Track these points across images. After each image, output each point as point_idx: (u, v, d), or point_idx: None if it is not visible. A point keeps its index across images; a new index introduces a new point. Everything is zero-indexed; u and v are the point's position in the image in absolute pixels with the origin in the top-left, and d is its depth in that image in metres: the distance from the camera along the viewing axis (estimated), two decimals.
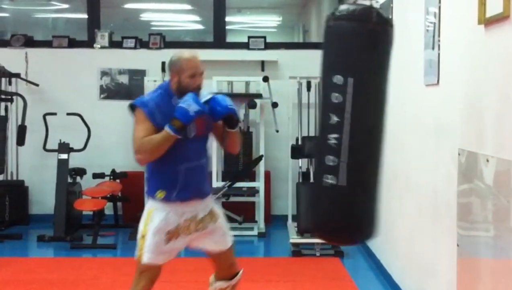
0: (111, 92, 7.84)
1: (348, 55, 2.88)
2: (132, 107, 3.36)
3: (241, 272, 3.62)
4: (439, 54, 3.81)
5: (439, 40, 3.81)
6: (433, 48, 3.90)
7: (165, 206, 3.34)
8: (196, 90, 3.32)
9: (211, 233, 3.45)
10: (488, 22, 2.99)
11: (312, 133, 7.19)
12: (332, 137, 2.84)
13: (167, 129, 3.22)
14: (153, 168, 3.38)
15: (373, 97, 2.90)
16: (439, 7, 3.81)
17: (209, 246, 3.49)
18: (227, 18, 8.16)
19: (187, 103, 3.22)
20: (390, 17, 3.13)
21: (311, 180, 6.89)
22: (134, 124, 3.32)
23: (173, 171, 3.32)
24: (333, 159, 2.83)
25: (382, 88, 2.91)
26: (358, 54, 2.87)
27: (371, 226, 2.97)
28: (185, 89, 3.30)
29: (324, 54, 2.98)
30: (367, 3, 2.97)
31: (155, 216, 3.34)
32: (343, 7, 2.93)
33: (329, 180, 2.84)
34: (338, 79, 2.84)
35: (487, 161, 2.97)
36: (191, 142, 3.33)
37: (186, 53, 3.42)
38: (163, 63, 7.51)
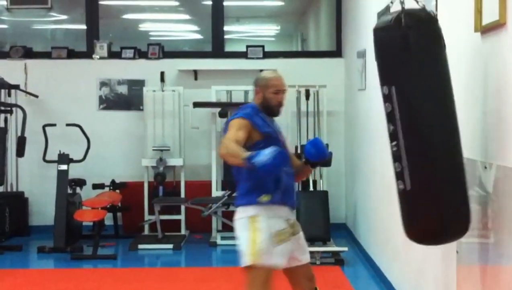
0: (110, 102, 7.86)
1: (387, 64, 3.01)
2: (232, 119, 3.52)
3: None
4: None
5: None
6: None
7: (267, 210, 3.42)
8: (278, 106, 3.56)
9: (300, 239, 3.56)
10: (484, 29, 3.00)
11: None
12: (393, 145, 3.00)
13: (245, 158, 3.24)
14: (253, 178, 3.40)
15: (419, 99, 2.94)
16: (436, 15, 3.82)
17: (299, 254, 3.55)
18: (226, 28, 8.18)
19: (269, 156, 3.20)
20: (431, 13, 3.12)
21: (311, 188, 6.91)
22: (231, 128, 3.42)
23: (276, 175, 3.39)
24: (398, 165, 2.98)
25: (428, 87, 2.93)
26: (394, 60, 2.96)
27: (441, 226, 2.99)
28: (268, 103, 3.53)
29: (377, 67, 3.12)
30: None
31: (260, 220, 3.40)
32: (380, 19, 3.09)
33: (400, 185, 2.99)
34: (385, 89, 3.00)
35: (486, 167, 2.98)
36: (285, 150, 3.49)
37: (271, 72, 3.70)
38: (162, 73, 7.54)
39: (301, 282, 3.62)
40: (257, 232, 3.37)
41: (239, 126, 3.42)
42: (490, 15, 2.89)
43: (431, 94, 2.96)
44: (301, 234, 3.59)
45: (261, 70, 7.70)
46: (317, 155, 3.54)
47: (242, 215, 3.46)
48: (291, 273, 3.59)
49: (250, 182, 3.44)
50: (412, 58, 2.93)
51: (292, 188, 3.57)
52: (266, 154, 3.22)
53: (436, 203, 2.96)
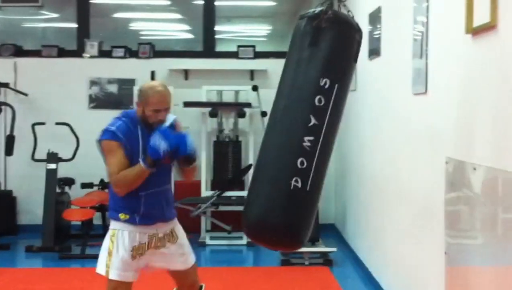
0: (100, 101, 7.83)
1: (298, 51, 2.99)
2: (101, 140, 3.44)
3: (203, 286, 3.67)
4: (427, 63, 3.82)
5: (427, 49, 3.83)
6: (421, 57, 3.92)
7: (129, 226, 3.44)
8: (158, 123, 3.39)
9: (170, 252, 3.52)
10: (475, 31, 3.00)
11: None
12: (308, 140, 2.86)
13: (141, 164, 3.32)
14: (115, 193, 3.45)
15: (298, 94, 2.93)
16: (427, 16, 3.83)
17: (169, 266, 3.57)
18: (217, 27, 8.17)
19: (157, 141, 3.27)
20: (352, 16, 3.11)
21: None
22: (105, 155, 3.41)
23: (135, 197, 3.40)
24: (302, 161, 2.85)
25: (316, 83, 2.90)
26: (301, 50, 2.96)
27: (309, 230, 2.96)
28: (147, 120, 3.39)
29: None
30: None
31: (120, 234, 3.44)
32: (314, 8, 3.03)
33: (296, 183, 2.83)
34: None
35: (475, 169, 2.98)
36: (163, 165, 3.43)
37: (156, 86, 3.44)
38: (153, 73, 7.52)
39: (184, 286, 3.65)
40: (114, 246, 3.41)
41: (110, 151, 3.38)
42: (481, 17, 2.89)
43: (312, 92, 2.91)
44: (177, 245, 3.53)
45: (252, 71, 7.83)
46: (184, 151, 3.34)
47: (110, 226, 3.52)
48: (173, 278, 3.65)
49: (116, 202, 3.47)
50: (319, 52, 2.91)
51: (163, 206, 3.49)
52: (155, 143, 3.24)
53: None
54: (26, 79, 7.71)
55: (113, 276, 3.41)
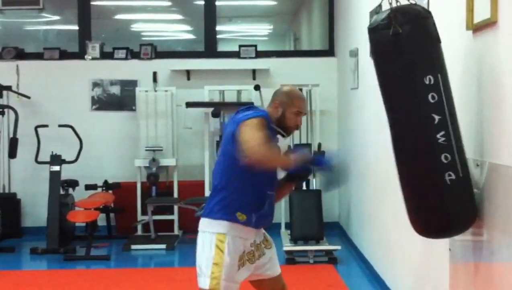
0: (102, 103, 7.84)
1: (388, 64, 2.97)
2: (247, 118, 3.12)
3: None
4: None
5: None
6: None
7: (239, 230, 3.14)
8: (295, 129, 3.30)
9: (268, 259, 3.32)
10: (476, 28, 3.01)
11: (303, 141, 7.21)
12: (441, 136, 2.90)
13: (292, 159, 3.10)
14: (239, 187, 3.13)
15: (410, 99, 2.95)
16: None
17: (266, 273, 3.34)
18: (218, 27, 8.18)
19: (330, 157, 3.16)
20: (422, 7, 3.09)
21: (304, 187, 6.92)
22: (249, 128, 3.05)
23: (262, 195, 3.17)
24: (445, 156, 2.90)
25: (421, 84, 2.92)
26: (391, 63, 2.94)
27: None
28: (285, 122, 3.24)
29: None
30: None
31: (229, 240, 3.12)
32: (373, 19, 3.02)
33: (450, 177, 2.89)
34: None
35: (478, 165, 2.98)
36: (275, 172, 3.24)
37: (298, 91, 3.36)
38: (155, 73, 7.53)
39: None
40: (222, 255, 3.09)
41: (261, 127, 3.08)
42: (481, 14, 2.90)
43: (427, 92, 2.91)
44: (272, 250, 3.35)
45: (254, 70, 7.84)
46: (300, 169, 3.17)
47: (208, 229, 3.15)
48: (259, 286, 3.41)
49: (232, 194, 3.14)
50: (403, 57, 2.91)
51: (272, 211, 3.27)
52: (325, 161, 3.11)
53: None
54: (29, 82, 7.73)
55: (223, 288, 3.08)
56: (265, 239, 3.33)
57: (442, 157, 2.89)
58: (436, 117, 2.89)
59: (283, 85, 3.42)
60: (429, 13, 3.01)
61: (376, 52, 3.02)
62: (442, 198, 2.93)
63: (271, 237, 3.41)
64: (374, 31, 2.98)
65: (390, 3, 2.98)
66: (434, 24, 2.99)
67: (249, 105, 3.36)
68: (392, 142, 3.07)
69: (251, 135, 3.02)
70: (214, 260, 3.09)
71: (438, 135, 2.89)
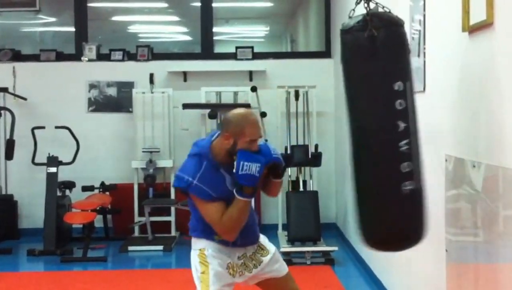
0: (99, 104, 7.84)
1: (360, 66, 2.94)
2: (183, 187, 3.16)
3: None
4: (424, 61, 3.84)
5: (424, 48, 3.84)
6: (418, 55, 3.93)
7: (219, 246, 3.20)
8: None
9: (267, 264, 3.33)
10: (472, 29, 3.02)
11: (300, 142, 7.22)
12: (404, 144, 2.89)
13: (240, 198, 3.09)
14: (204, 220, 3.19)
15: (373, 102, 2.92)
16: (424, 15, 3.85)
17: (279, 273, 3.37)
18: (215, 29, 8.18)
19: (247, 165, 3.05)
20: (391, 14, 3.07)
21: (301, 188, 6.92)
22: (197, 205, 3.15)
23: None
24: (407, 164, 2.89)
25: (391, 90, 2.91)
26: (363, 64, 2.92)
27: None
28: (235, 152, 3.13)
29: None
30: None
31: (209, 251, 3.19)
32: (347, 21, 2.98)
33: (408, 186, 2.88)
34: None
35: (474, 166, 2.99)
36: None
37: (247, 114, 3.22)
38: (151, 75, 7.53)
39: None
40: (207, 264, 3.17)
41: (202, 202, 3.11)
42: (477, 15, 2.91)
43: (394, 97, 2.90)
44: (267, 257, 3.33)
45: (250, 72, 7.84)
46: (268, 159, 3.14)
47: (193, 246, 3.26)
48: (267, 288, 3.42)
49: (203, 222, 3.19)
50: (379, 61, 2.89)
51: (252, 225, 3.28)
52: (245, 169, 3.04)
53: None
54: (25, 83, 7.73)
55: None
56: (260, 248, 3.34)
57: (402, 166, 2.88)
58: (402, 125, 2.88)
59: (231, 112, 3.26)
60: (403, 22, 3.01)
61: (348, 55, 2.98)
62: (400, 207, 2.91)
63: (268, 242, 3.41)
64: (347, 32, 2.94)
65: (366, 8, 2.98)
66: (406, 33, 3.00)
67: (193, 149, 3.26)
68: (352, 148, 3.00)
69: (207, 218, 3.12)
70: (201, 270, 3.18)
71: (401, 143, 2.88)
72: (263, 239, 3.41)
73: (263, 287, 3.42)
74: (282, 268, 3.40)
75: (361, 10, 3.00)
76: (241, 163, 3.06)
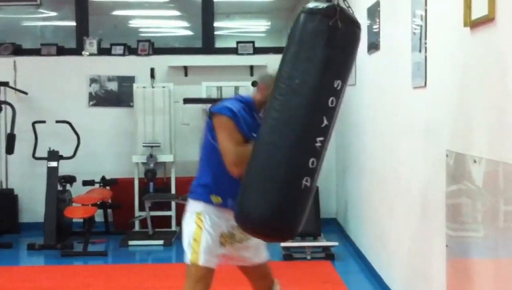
0: (100, 99, 7.84)
1: (311, 49, 2.89)
2: (218, 112, 3.23)
3: (276, 282, 3.54)
4: (426, 56, 3.83)
5: (426, 43, 3.83)
6: (420, 50, 3.93)
7: (215, 210, 3.26)
8: None
9: (255, 244, 3.37)
10: (473, 24, 3.01)
11: None
12: (319, 141, 2.89)
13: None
14: (216, 170, 3.23)
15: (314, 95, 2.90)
16: (426, 10, 3.84)
17: (256, 258, 3.42)
18: (216, 24, 8.17)
19: None
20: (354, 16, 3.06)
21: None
22: (220, 131, 3.20)
23: (234, 179, 3.18)
24: (313, 161, 2.89)
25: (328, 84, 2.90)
26: (315, 49, 2.89)
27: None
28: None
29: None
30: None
31: (206, 217, 3.25)
32: (313, 3, 2.95)
33: (306, 182, 2.89)
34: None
35: (475, 161, 2.99)
36: None
37: None
38: (152, 70, 7.52)
39: (256, 281, 3.50)
40: (200, 231, 3.23)
41: (227, 129, 3.18)
42: (479, 10, 2.90)
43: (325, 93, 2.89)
44: (252, 239, 3.35)
45: (251, 66, 7.83)
46: None
47: (190, 208, 3.32)
48: (245, 272, 3.49)
49: (208, 176, 3.28)
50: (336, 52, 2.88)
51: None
52: None
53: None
54: (26, 78, 7.72)
55: (203, 262, 3.19)
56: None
57: (311, 161, 2.88)
58: (325, 122, 2.89)
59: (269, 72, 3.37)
60: (361, 28, 3.02)
61: (304, 35, 2.91)
62: (292, 198, 2.91)
63: None
64: (313, 13, 2.89)
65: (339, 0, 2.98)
66: (360, 39, 3.01)
67: (235, 97, 3.38)
68: (271, 122, 2.94)
69: (225, 146, 3.17)
70: (194, 235, 3.23)
71: (317, 139, 2.89)
72: None
73: (244, 271, 3.48)
74: (263, 254, 3.46)
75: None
76: None
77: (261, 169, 2.94)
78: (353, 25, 2.96)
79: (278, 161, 2.90)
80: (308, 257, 6.13)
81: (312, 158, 2.89)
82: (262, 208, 2.93)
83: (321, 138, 2.90)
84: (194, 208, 3.30)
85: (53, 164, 6.98)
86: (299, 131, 2.90)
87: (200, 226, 3.24)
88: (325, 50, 2.87)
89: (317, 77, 2.89)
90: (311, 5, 2.94)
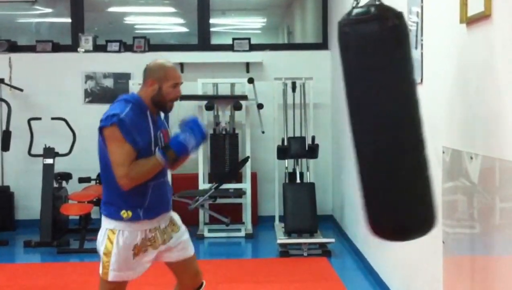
0: (96, 96, 7.82)
1: (383, 55, 2.81)
2: (106, 126, 3.12)
3: (204, 284, 3.47)
4: (422, 53, 3.83)
5: (422, 40, 3.83)
6: (416, 47, 3.92)
7: (127, 225, 3.16)
8: (174, 100, 3.27)
9: (177, 242, 3.34)
10: (470, 21, 3.01)
11: (297, 134, 7.21)
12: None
13: (159, 158, 3.11)
14: (115, 187, 3.13)
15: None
16: (422, 7, 3.84)
17: (175, 256, 3.36)
18: (211, 20, 8.16)
19: (188, 137, 3.12)
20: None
21: (298, 180, 6.93)
22: (109, 143, 3.10)
23: (142, 189, 3.14)
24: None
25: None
26: (388, 54, 2.82)
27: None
28: (163, 98, 3.20)
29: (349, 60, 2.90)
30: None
31: (119, 234, 3.16)
32: (358, 10, 2.85)
33: (427, 173, 2.88)
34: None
35: (471, 158, 2.99)
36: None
37: (168, 62, 3.29)
38: None
39: (187, 279, 3.44)
40: (111, 246, 3.15)
41: (115, 141, 3.07)
42: (475, 7, 2.90)
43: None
44: (181, 232, 3.34)
45: (247, 63, 7.83)
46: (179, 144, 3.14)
47: (103, 224, 3.22)
48: (175, 271, 3.44)
49: (113, 194, 3.17)
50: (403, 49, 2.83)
51: (167, 195, 3.28)
52: (184, 138, 3.08)
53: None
54: (21, 74, 7.70)
55: (111, 277, 3.17)
56: (172, 223, 3.34)
57: (424, 153, 2.87)
58: (418, 114, 2.89)
59: (152, 62, 3.29)
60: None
61: (368, 45, 2.80)
62: (422, 194, 2.87)
63: (180, 220, 3.40)
64: (363, 22, 2.79)
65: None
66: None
67: (119, 98, 3.23)
68: (376, 136, 2.89)
69: (113, 159, 3.07)
70: (105, 250, 3.18)
71: (419, 131, 2.88)
72: (176, 216, 3.41)
73: (170, 266, 3.44)
74: (190, 248, 3.40)
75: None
76: (186, 132, 3.13)
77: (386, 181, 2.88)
78: (401, 16, 2.88)
79: (401, 166, 2.85)
80: (305, 254, 6.13)
81: (424, 150, 2.87)
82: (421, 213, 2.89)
83: (421, 131, 2.88)
84: (106, 225, 3.21)
85: (49, 161, 6.97)
86: (414, 131, 2.87)
87: (111, 242, 3.16)
88: (398, 50, 2.81)
89: (404, 77, 2.84)
90: (352, 14, 2.84)
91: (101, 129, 3.15)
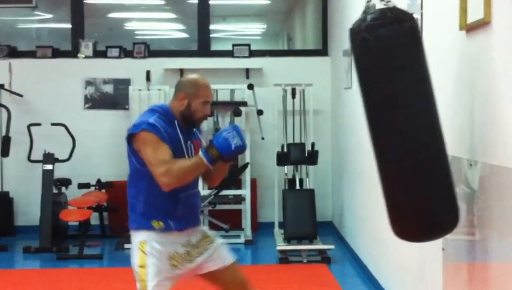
0: (95, 102, 7.82)
1: (401, 56, 2.81)
2: (135, 132, 3.08)
3: None
4: None
5: None
6: None
7: (158, 236, 3.12)
8: (204, 119, 3.23)
9: (213, 252, 3.26)
10: (469, 28, 3.01)
11: (297, 140, 7.21)
12: None
13: (202, 157, 3.03)
14: (148, 195, 3.13)
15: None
16: (421, 13, 3.84)
17: (213, 265, 3.26)
18: (212, 26, 8.18)
19: (232, 134, 3.05)
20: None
21: (297, 187, 6.92)
22: (143, 147, 3.05)
23: (173, 199, 3.10)
24: None
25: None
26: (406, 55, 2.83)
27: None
28: (192, 114, 3.14)
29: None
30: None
31: (150, 243, 3.12)
32: (372, 15, 2.83)
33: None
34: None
35: (471, 165, 2.99)
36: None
37: (201, 78, 3.26)
38: (148, 72, 7.52)
39: (229, 288, 3.34)
40: (145, 257, 3.11)
41: (152, 142, 3.03)
42: (475, 14, 2.90)
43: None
44: (212, 245, 3.26)
45: (247, 69, 7.83)
46: (227, 146, 3.04)
47: (134, 239, 3.20)
48: (218, 280, 3.32)
49: (143, 205, 3.14)
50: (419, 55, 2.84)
51: (195, 208, 3.25)
52: (228, 135, 3.01)
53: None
54: (21, 80, 7.70)
55: (151, 288, 3.10)
56: (204, 236, 3.27)
57: (446, 149, 2.92)
58: (438, 116, 2.89)
59: (186, 76, 3.28)
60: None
61: (388, 48, 2.78)
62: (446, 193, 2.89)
63: (210, 232, 3.36)
64: (380, 27, 2.77)
65: (387, 2, 2.94)
66: None
67: (149, 108, 3.22)
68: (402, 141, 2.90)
69: (151, 160, 3.03)
70: (139, 263, 3.13)
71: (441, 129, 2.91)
72: (206, 229, 3.38)
73: (210, 279, 3.32)
74: (228, 256, 3.31)
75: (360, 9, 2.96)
76: (229, 130, 3.07)
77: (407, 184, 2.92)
78: (412, 17, 2.90)
79: (425, 168, 2.88)
80: (304, 261, 6.12)
81: (446, 151, 2.90)
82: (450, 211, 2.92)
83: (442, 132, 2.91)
84: (136, 238, 3.18)
85: (49, 166, 6.97)
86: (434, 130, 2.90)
87: (144, 252, 3.11)
88: (414, 50, 2.83)
89: (420, 78, 2.85)
90: (367, 19, 2.82)
91: (129, 138, 3.12)
